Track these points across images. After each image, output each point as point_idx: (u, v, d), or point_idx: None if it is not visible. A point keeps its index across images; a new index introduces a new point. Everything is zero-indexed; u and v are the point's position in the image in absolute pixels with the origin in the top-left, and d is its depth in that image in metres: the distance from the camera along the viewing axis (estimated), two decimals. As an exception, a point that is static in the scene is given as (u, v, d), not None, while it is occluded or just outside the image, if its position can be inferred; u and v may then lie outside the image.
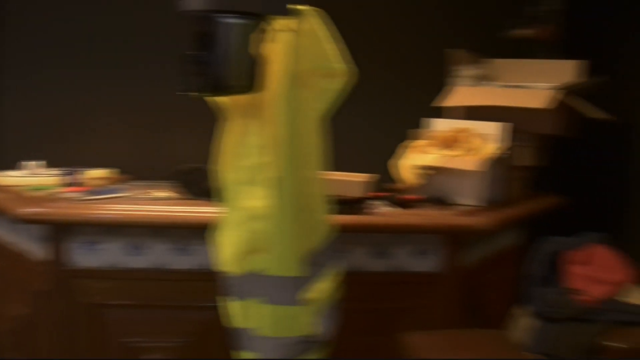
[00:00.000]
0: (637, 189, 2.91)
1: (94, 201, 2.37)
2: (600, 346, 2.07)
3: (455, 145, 2.62)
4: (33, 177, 2.66)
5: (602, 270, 2.30)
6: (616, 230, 2.67)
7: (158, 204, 2.37)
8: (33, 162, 2.78)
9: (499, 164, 2.63)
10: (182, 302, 2.37)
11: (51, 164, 2.80)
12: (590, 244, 2.38)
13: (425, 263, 2.42)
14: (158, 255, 2.35)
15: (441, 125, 2.73)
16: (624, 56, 2.99)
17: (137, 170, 2.87)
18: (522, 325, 2.29)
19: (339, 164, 2.16)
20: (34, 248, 2.37)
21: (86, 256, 2.32)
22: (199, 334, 2.36)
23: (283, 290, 1.69)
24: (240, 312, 1.78)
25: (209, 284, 2.01)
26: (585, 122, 2.80)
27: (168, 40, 2.27)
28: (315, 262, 1.72)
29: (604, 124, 2.81)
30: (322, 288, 1.75)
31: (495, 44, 3.06)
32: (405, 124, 2.80)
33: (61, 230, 2.29)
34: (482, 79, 2.92)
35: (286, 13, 1.61)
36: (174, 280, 2.36)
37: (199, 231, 2.04)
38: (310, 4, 1.66)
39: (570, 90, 2.71)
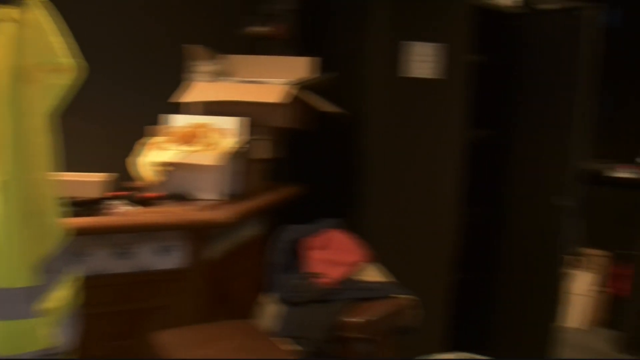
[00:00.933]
0: (365, 177, 3.13)
1: None
2: (341, 323, 2.21)
3: (194, 141, 2.62)
4: None
5: (338, 253, 2.45)
6: (349, 214, 2.86)
7: None
8: None
9: (238, 158, 2.67)
10: None
11: None
12: (327, 229, 2.52)
13: (170, 260, 2.39)
14: None
15: (179, 121, 2.71)
16: (352, 54, 3.18)
17: None
18: (269, 312, 2.36)
19: (73, 164, 2.06)
20: None
21: None
22: None
23: (14, 303, 1.56)
24: (-32, 333, 1.61)
25: None
26: (318, 115, 2.94)
27: None
28: (50, 269, 1.61)
29: (335, 116, 2.98)
30: (60, 296, 1.65)
31: (232, 40, 3.11)
32: (143, 120, 2.74)
33: None
34: (220, 75, 2.94)
35: (7, 2, 1.48)
36: None
37: None
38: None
39: (303, 86, 2.83)
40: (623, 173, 4.86)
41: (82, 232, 1.83)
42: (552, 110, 3.45)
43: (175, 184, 2.58)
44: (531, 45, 3.53)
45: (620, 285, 4.60)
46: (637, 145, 4.85)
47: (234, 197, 2.63)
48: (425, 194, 3.22)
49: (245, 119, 2.68)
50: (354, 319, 2.22)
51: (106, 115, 2.90)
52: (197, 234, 2.41)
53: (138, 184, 2.59)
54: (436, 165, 3.23)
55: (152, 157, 2.59)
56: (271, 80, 2.85)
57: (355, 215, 3.04)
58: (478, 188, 3.54)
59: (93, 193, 2.32)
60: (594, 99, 3.46)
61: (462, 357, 2.50)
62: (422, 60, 3.08)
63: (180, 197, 2.55)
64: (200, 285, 2.44)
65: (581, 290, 4.67)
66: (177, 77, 2.91)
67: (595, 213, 4.72)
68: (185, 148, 2.60)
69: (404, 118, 3.12)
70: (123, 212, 2.33)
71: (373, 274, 2.47)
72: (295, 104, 2.80)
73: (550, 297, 3.52)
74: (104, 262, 2.29)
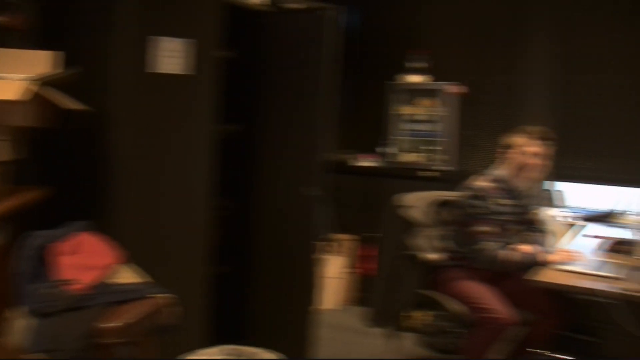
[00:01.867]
0: (114, 176, 3.06)
1: None
2: (98, 329, 2.16)
3: None
4: None
5: (89, 256, 2.40)
6: (99, 216, 2.78)
7: None
8: None
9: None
10: None
11: None
12: (76, 232, 2.45)
13: None
14: None
15: None
16: (97, 48, 3.08)
17: None
18: (19, 326, 2.23)
19: None
20: None
21: None
22: None
23: None
24: None
25: None
26: (62, 113, 2.82)
27: None
28: None
29: (80, 114, 2.87)
30: None
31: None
32: None
33: None
34: (-52, 69, 2.71)
35: None
36: None
37: None
38: None
39: (45, 81, 2.70)
40: (365, 162, 5.26)
41: None
42: (299, 105, 3.63)
43: None
44: (279, 43, 3.67)
45: (367, 265, 4.97)
46: (376, 136, 5.27)
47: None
48: (177, 190, 3.23)
49: (-20, 119, 2.50)
50: (111, 324, 2.19)
51: None
52: None
53: None
54: (186, 161, 3.25)
55: None
56: (8, 76, 2.67)
57: (105, 216, 2.96)
58: (230, 182, 3.61)
59: None
60: (336, 94, 3.68)
61: (226, 350, 2.56)
62: (171, 56, 3.08)
63: None
64: None
65: (333, 273, 4.97)
66: None
67: (342, 200, 5.07)
68: None
69: (152, 114, 3.10)
70: None
71: (127, 276, 2.45)
72: (36, 101, 2.66)
73: (305, 282, 3.70)
74: None
